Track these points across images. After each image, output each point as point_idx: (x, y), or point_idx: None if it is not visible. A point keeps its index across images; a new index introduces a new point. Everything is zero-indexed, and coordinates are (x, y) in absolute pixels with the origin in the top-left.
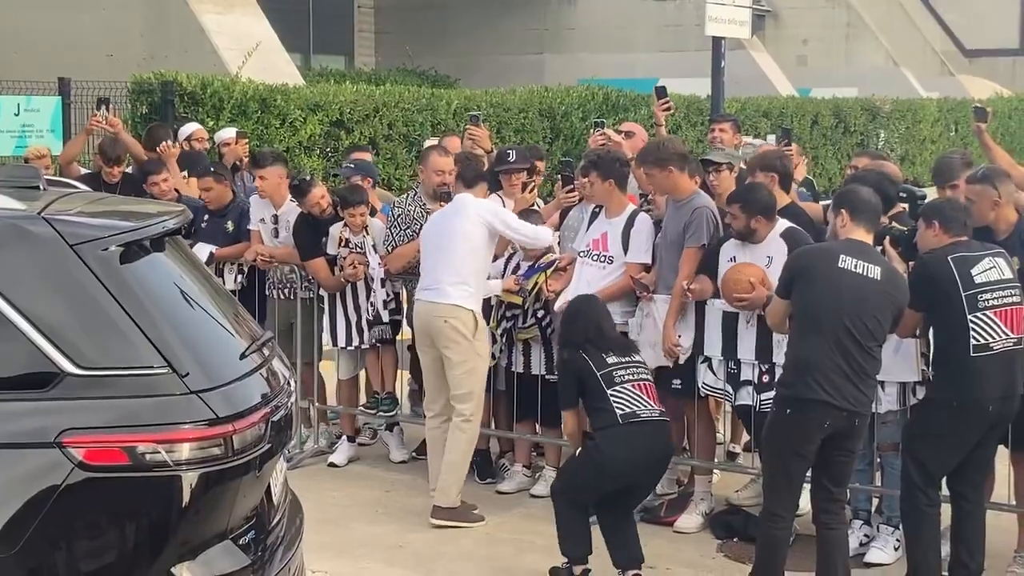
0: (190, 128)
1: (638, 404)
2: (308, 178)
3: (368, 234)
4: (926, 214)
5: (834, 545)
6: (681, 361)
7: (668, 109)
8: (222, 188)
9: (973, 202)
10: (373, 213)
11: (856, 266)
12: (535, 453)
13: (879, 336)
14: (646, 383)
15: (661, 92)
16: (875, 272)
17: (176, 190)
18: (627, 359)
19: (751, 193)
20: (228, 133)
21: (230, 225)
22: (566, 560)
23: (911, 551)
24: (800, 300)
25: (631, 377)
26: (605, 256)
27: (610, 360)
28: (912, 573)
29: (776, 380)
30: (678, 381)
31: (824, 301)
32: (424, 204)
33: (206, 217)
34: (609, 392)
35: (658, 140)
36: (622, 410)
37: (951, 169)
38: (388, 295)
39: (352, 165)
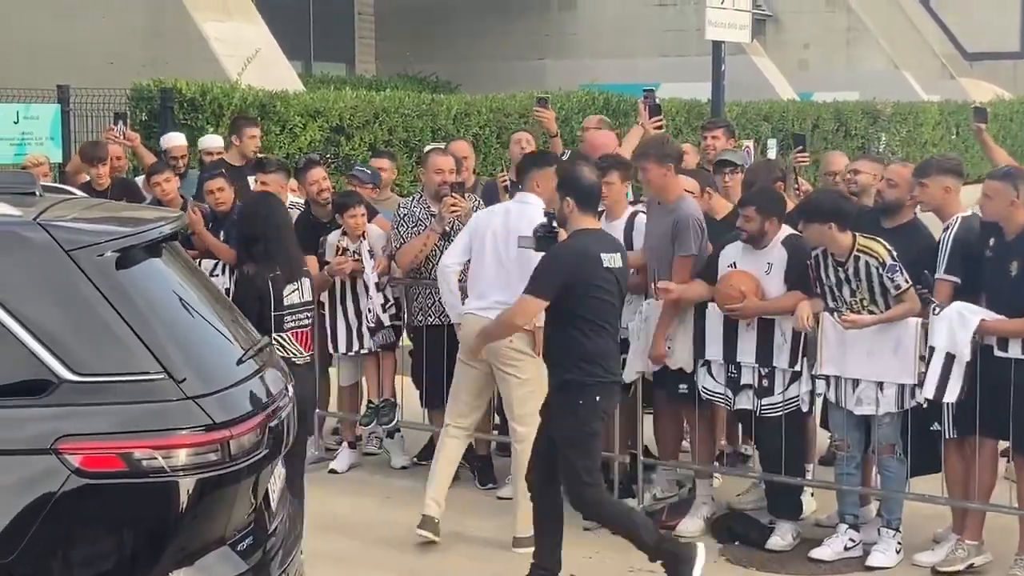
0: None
1: (292, 350)
2: (316, 157)
3: (365, 239)
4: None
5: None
6: (673, 368)
7: (660, 127)
8: (232, 190)
9: (990, 198)
10: (371, 219)
11: (612, 260)
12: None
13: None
14: (305, 331)
15: (655, 109)
16: (620, 260)
17: (181, 195)
18: (300, 302)
19: (767, 196)
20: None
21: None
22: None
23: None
24: (581, 305)
25: (293, 324)
26: None
27: (288, 298)
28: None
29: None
30: (684, 386)
31: (606, 304)
32: (428, 207)
33: (210, 225)
34: (275, 335)
35: (662, 136)
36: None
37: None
38: (386, 299)
39: (368, 171)
